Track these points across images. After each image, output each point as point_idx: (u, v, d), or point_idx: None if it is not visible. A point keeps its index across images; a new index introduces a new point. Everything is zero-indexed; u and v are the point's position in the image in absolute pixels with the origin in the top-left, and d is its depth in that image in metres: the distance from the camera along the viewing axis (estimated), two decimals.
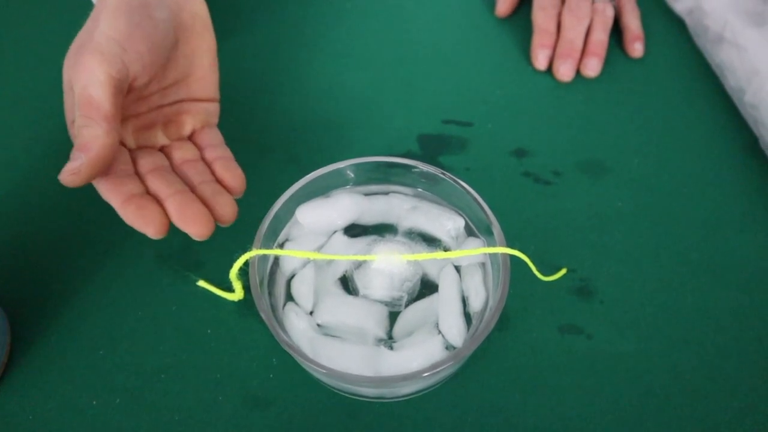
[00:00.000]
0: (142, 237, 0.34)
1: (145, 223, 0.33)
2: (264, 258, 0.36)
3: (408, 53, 0.54)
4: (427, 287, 0.36)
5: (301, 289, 0.36)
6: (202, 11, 0.41)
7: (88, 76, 0.34)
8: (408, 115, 0.50)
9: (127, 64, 0.35)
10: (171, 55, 0.39)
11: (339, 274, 0.37)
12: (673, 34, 0.56)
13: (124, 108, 0.37)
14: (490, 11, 0.58)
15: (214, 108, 0.42)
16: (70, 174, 0.32)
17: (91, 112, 0.33)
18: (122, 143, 0.37)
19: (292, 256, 0.36)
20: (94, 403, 0.36)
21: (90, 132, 0.33)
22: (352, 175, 0.39)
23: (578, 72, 0.53)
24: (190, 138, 0.40)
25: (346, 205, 0.38)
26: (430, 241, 0.38)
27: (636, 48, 0.54)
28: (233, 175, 0.38)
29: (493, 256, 0.36)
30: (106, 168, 0.33)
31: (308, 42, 0.55)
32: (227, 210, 0.36)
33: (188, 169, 0.38)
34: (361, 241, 0.38)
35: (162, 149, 0.39)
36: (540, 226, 0.44)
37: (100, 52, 0.34)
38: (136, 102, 0.38)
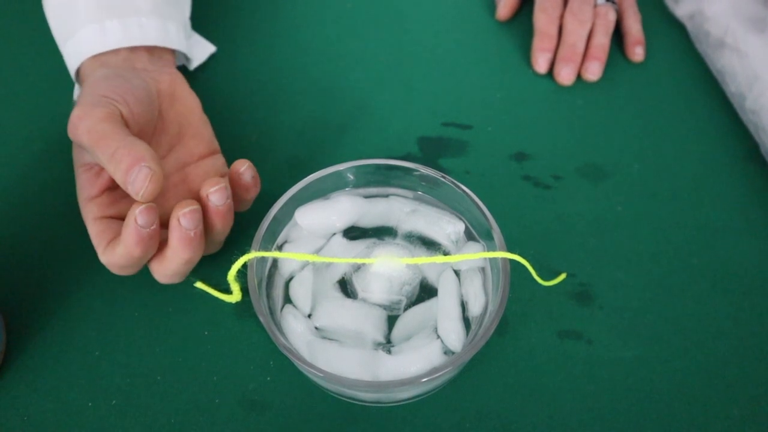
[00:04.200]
0: None
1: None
2: (262, 260, 0.35)
3: (408, 55, 0.54)
4: (426, 291, 0.36)
5: (300, 291, 0.36)
6: (179, 79, 0.43)
7: (89, 120, 0.35)
8: (408, 118, 0.50)
9: (117, 107, 0.37)
10: (158, 122, 0.40)
11: (338, 276, 0.37)
12: (674, 39, 0.56)
13: None
14: (491, 14, 0.58)
15: (218, 160, 0.42)
16: (148, 179, 0.33)
17: (112, 139, 0.34)
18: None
19: (290, 258, 0.36)
20: (90, 404, 0.36)
21: (128, 146, 0.34)
22: (352, 178, 0.39)
23: (579, 75, 0.53)
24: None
25: (345, 208, 0.38)
26: (429, 244, 0.38)
27: (637, 52, 0.54)
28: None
29: (492, 260, 0.35)
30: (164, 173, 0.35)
31: (308, 44, 0.55)
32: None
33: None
34: (360, 244, 0.37)
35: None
36: (540, 230, 0.43)
37: (89, 103, 0.36)
38: None
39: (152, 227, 0.34)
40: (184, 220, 0.34)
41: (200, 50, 0.51)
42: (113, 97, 0.37)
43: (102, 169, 0.38)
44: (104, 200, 0.38)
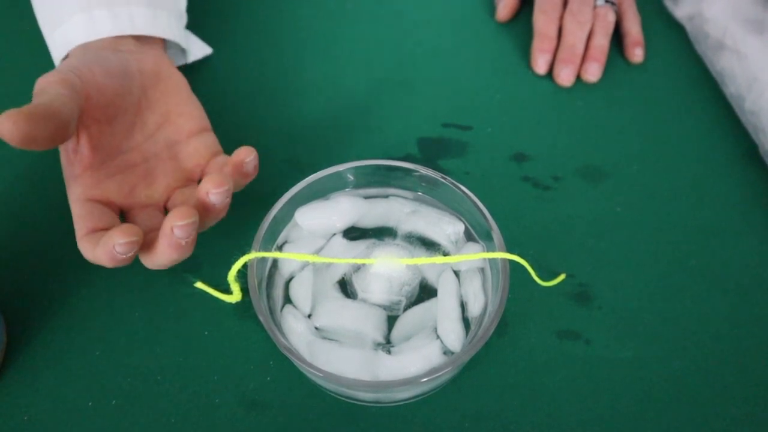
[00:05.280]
0: None
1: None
2: (262, 260, 0.35)
3: (408, 56, 0.54)
4: (425, 292, 0.36)
5: (300, 291, 0.36)
6: (164, 59, 0.42)
7: (43, 81, 0.34)
8: (408, 119, 0.50)
9: (79, 76, 0.35)
10: (143, 101, 0.40)
11: (337, 277, 0.37)
12: (674, 40, 0.56)
13: (115, 161, 0.38)
14: (491, 15, 0.58)
15: (209, 137, 0.41)
16: (9, 112, 0.30)
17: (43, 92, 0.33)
18: (121, 205, 0.38)
19: (290, 258, 0.36)
20: (90, 404, 0.36)
21: (40, 95, 0.33)
22: (352, 178, 0.39)
23: (578, 77, 0.53)
24: (204, 173, 0.40)
25: (345, 208, 0.38)
26: (429, 245, 0.38)
27: (636, 53, 0.54)
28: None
29: (492, 261, 0.35)
30: (50, 125, 0.32)
31: (308, 44, 0.55)
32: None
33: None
34: (360, 245, 0.38)
35: (167, 205, 0.39)
36: (539, 231, 0.44)
37: (54, 71, 0.36)
38: (127, 153, 0.39)
39: (128, 255, 0.33)
40: (177, 230, 0.33)
41: (197, 48, 0.51)
42: (78, 66, 0.36)
43: (77, 144, 0.37)
44: (87, 180, 0.37)
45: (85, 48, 0.41)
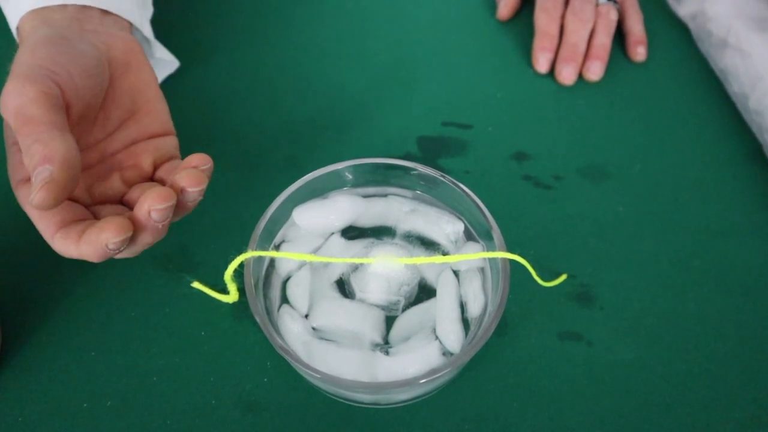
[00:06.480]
0: None
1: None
2: (259, 260, 0.35)
3: (408, 55, 0.54)
4: (424, 292, 0.36)
5: (297, 291, 0.36)
6: (136, 47, 0.39)
7: (18, 99, 0.31)
8: (408, 117, 0.50)
9: (58, 84, 0.32)
10: (109, 93, 0.36)
11: (335, 276, 0.36)
12: (677, 39, 0.56)
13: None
14: (491, 14, 0.57)
15: (172, 141, 0.38)
16: (42, 186, 0.29)
17: (35, 127, 0.30)
18: (76, 200, 0.34)
19: (288, 258, 0.36)
20: (85, 405, 0.36)
21: (44, 142, 0.30)
22: (351, 177, 0.39)
23: (580, 75, 0.52)
24: (155, 175, 0.37)
25: (343, 207, 0.37)
26: (428, 244, 0.37)
27: (639, 52, 0.53)
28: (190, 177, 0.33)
29: (492, 260, 0.35)
30: (77, 178, 0.30)
31: (308, 42, 0.55)
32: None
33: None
34: (359, 244, 0.37)
35: (123, 199, 0.36)
36: (540, 230, 0.43)
37: (24, 75, 0.32)
38: (85, 151, 0.36)
39: (122, 247, 0.31)
40: (155, 214, 0.31)
41: (161, 51, 0.47)
42: (54, 69, 0.32)
43: None
44: None
45: (45, 20, 0.37)
